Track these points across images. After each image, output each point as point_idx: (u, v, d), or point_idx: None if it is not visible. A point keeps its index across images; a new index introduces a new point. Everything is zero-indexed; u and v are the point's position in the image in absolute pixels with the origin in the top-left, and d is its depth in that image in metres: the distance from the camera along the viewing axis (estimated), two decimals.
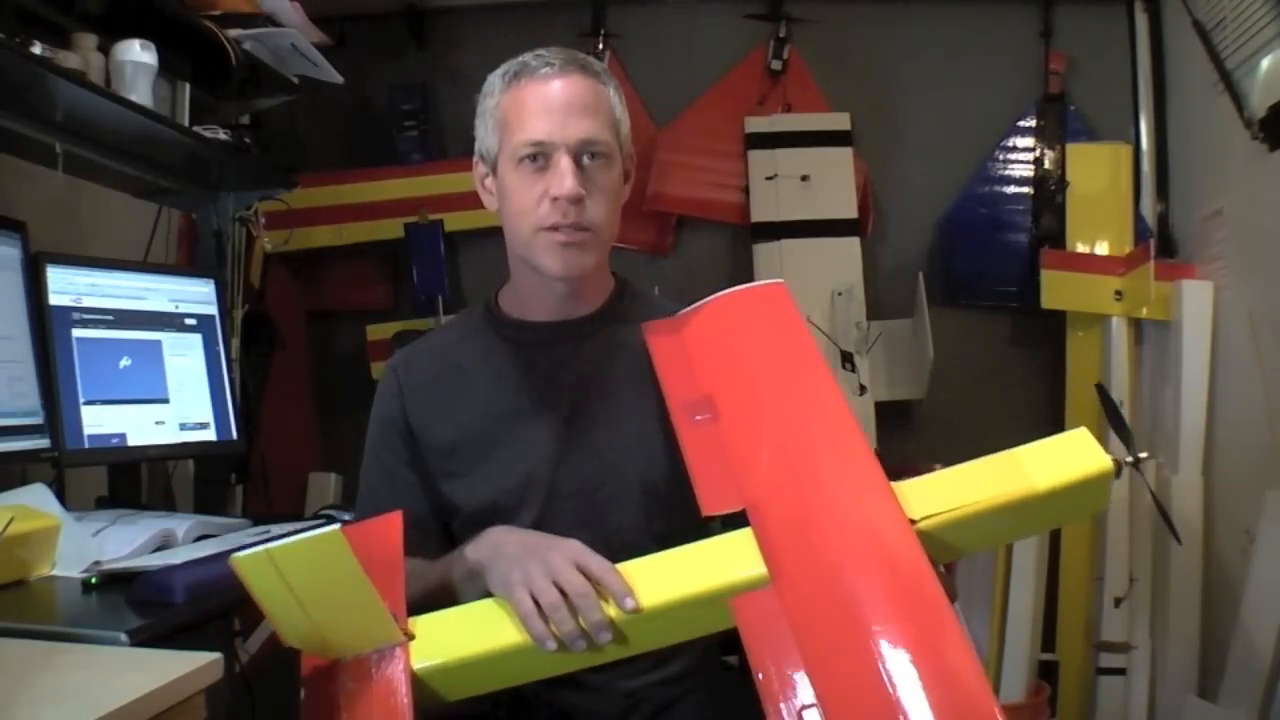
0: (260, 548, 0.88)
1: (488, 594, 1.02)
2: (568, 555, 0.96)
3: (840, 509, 0.94)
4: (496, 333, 1.24)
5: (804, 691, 0.82)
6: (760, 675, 0.85)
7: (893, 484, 0.94)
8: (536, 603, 0.93)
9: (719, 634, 0.97)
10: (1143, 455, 1.02)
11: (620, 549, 0.98)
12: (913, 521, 0.91)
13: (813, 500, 0.95)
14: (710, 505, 0.99)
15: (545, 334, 1.22)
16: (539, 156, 1.10)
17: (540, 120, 1.10)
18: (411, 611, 0.99)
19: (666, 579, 0.94)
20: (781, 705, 0.82)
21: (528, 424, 1.18)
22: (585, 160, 1.11)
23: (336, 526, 0.89)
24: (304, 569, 0.90)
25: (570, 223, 1.10)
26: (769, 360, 1.11)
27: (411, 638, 0.95)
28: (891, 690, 0.80)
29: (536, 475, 1.16)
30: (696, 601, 0.92)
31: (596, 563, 0.95)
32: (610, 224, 1.15)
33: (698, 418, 1.06)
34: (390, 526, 1.04)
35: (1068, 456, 0.97)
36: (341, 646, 0.95)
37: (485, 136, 1.17)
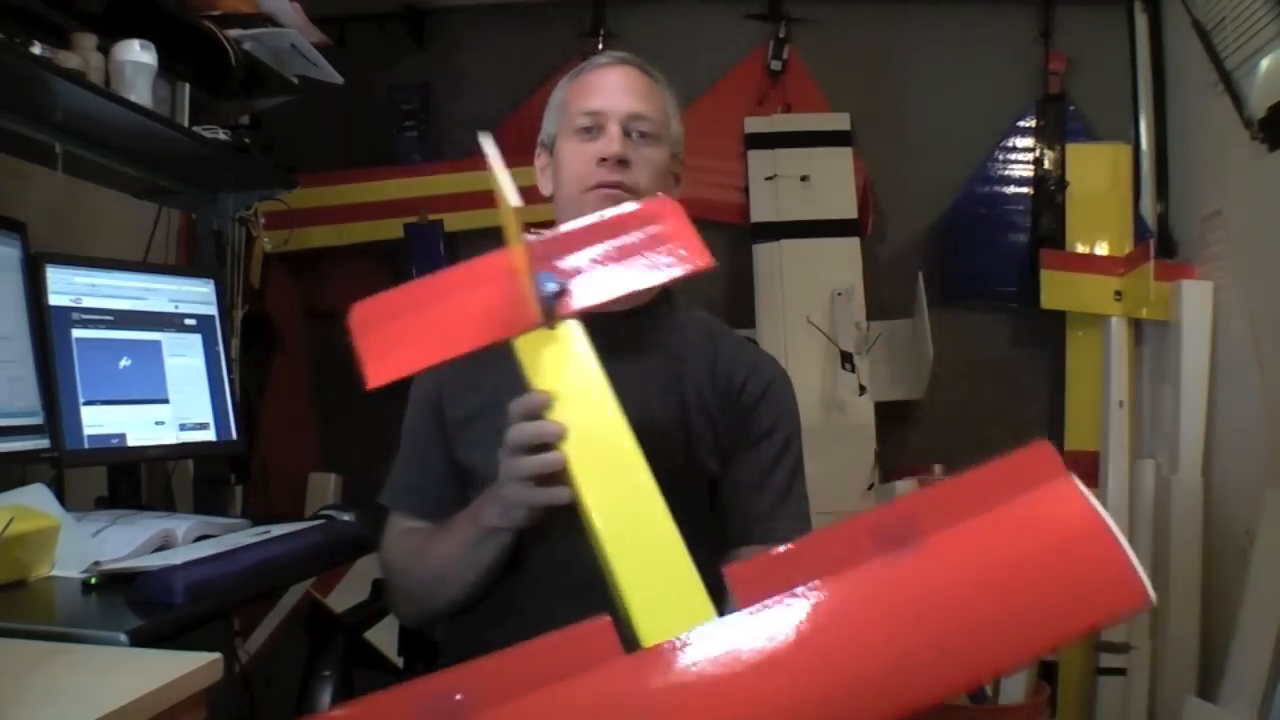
0: None
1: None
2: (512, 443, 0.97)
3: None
4: None
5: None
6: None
7: None
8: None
9: None
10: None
11: None
12: None
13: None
14: (739, 585, 0.75)
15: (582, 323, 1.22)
16: (593, 127, 1.21)
17: (596, 95, 1.22)
18: (434, 582, 1.13)
19: (634, 524, 0.83)
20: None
21: None
22: (634, 135, 1.21)
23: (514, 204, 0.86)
24: (502, 205, 0.92)
25: (614, 181, 1.18)
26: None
27: (550, 327, 0.91)
28: None
29: None
30: (605, 552, 0.81)
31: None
32: (652, 196, 1.17)
33: (875, 540, 0.80)
34: None
35: None
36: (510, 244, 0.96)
37: (547, 124, 1.28)
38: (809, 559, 0.77)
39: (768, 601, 0.73)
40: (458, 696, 0.70)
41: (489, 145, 0.93)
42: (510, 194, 0.87)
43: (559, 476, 0.93)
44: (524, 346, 0.92)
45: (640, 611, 0.77)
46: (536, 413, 0.92)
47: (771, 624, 0.72)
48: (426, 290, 1.01)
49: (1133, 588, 0.69)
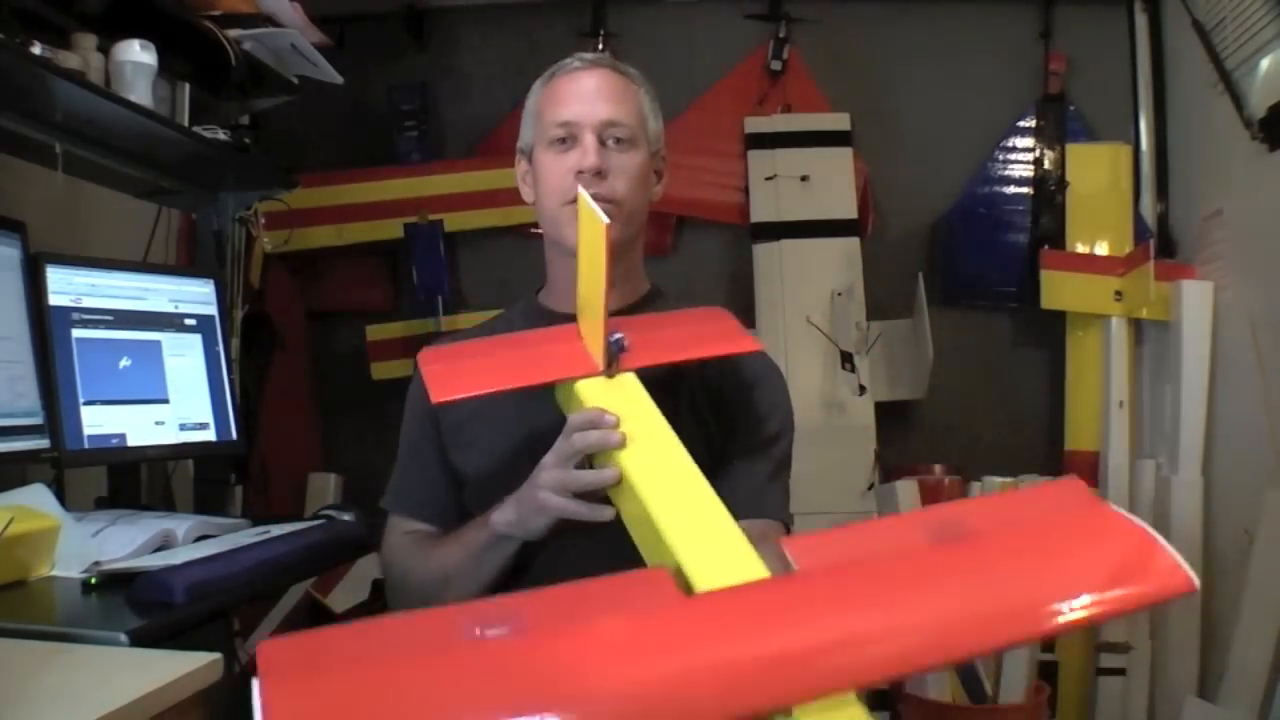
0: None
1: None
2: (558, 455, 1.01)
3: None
4: (529, 321, 1.29)
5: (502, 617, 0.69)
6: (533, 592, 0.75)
7: None
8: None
9: None
10: None
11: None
12: None
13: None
14: (794, 551, 0.78)
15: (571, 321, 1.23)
16: (567, 138, 1.19)
17: (568, 104, 1.20)
18: (437, 585, 1.14)
19: (678, 495, 0.88)
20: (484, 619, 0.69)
21: (539, 400, 1.19)
22: (610, 142, 1.19)
23: (606, 224, 0.94)
24: (584, 233, 1.02)
25: (591, 194, 1.15)
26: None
27: (609, 375, 1.01)
28: None
29: (540, 442, 1.16)
30: (655, 524, 0.86)
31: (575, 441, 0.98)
32: (633, 203, 1.21)
33: (926, 530, 0.82)
34: None
35: None
36: (582, 319, 1.07)
37: (524, 132, 1.26)
38: (863, 538, 0.82)
39: (823, 564, 0.76)
40: (508, 621, 0.69)
41: (587, 198, 1.02)
42: (600, 223, 0.95)
43: (600, 494, 0.96)
44: (585, 388, 1.00)
45: (694, 568, 0.79)
46: (598, 425, 0.95)
47: (825, 581, 0.74)
48: (494, 342, 1.15)
49: (1177, 573, 0.73)
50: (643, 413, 0.97)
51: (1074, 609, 0.71)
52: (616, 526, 0.95)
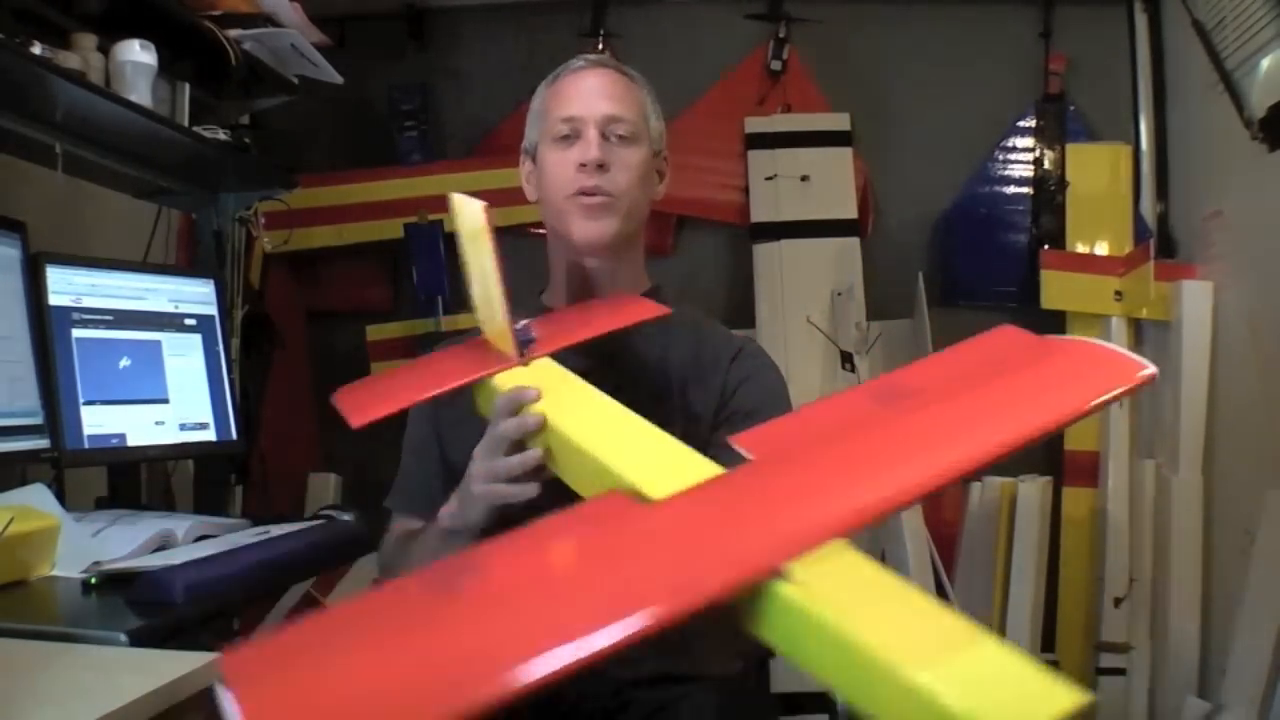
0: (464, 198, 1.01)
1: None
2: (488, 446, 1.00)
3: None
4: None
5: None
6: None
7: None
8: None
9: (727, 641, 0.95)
10: None
11: None
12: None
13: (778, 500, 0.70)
14: (747, 446, 0.79)
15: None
16: (570, 134, 1.21)
17: (572, 101, 1.22)
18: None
19: (607, 429, 0.89)
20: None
21: None
22: (612, 138, 1.21)
23: (482, 205, 0.97)
24: (464, 229, 1.04)
25: (594, 185, 1.19)
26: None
27: (524, 364, 1.02)
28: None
29: None
30: (595, 460, 0.84)
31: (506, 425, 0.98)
32: (633, 197, 1.23)
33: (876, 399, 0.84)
34: None
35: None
36: (484, 321, 1.07)
37: (529, 132, 1.28)
38: (809, 420, 0.85)
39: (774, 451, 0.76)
40: (464, 571, 0.66)
41: (456, 197, 1.04)
42: (478, 211, 0.98)
43: (527, 474, 0.97)
44: (503, 380, 1.01)
45: (645, 483, 0.76)
46: (519, 401, 0.96)
47: (779, 463, 0.74)
48: (405, 367, 1.20)
49: (1132, 365, 0.69)
50: (567, 385, 0.98)
51: (1032, 419, 0.69)
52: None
